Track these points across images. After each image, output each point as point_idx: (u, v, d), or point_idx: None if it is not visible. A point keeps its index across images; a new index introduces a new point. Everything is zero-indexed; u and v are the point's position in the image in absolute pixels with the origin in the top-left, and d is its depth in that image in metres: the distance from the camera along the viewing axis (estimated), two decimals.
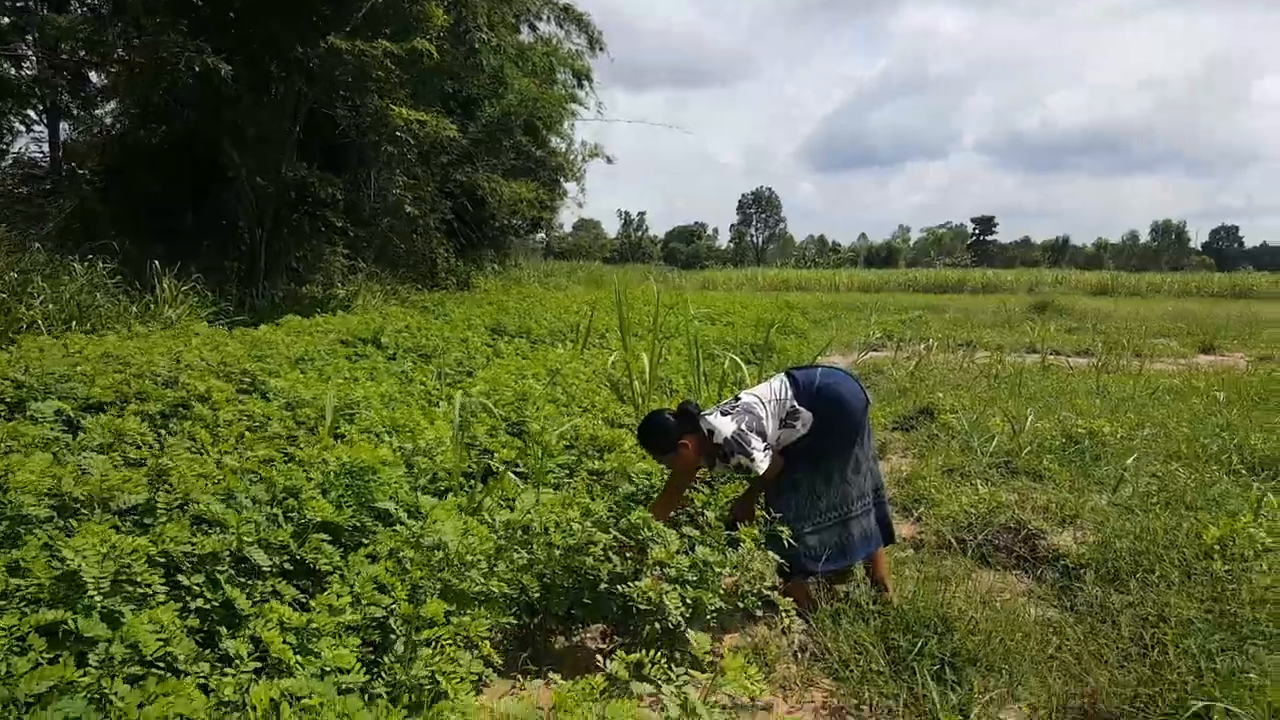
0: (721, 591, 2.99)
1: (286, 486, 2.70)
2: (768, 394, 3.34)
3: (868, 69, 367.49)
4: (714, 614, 2.88)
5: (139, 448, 3.38)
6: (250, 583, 2.37)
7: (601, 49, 22.99)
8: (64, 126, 14.64)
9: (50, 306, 7.55)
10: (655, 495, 3.68)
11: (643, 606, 2.69)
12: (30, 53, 15.72)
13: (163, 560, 2.26)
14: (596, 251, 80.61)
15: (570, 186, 25.65)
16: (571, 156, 25.40)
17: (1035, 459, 5.36)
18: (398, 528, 2.71)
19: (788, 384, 3.36)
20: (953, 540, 4.16)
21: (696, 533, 3.20)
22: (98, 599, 1.99)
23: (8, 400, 3.87)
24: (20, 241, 8.98)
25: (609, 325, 10.07)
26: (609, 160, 25.64)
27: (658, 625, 2.71)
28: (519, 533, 2.81)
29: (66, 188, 12.03)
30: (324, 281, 15.02)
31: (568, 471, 3.97)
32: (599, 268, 42.52)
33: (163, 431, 3.67)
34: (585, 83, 23.21)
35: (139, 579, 2.13)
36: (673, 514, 3.55)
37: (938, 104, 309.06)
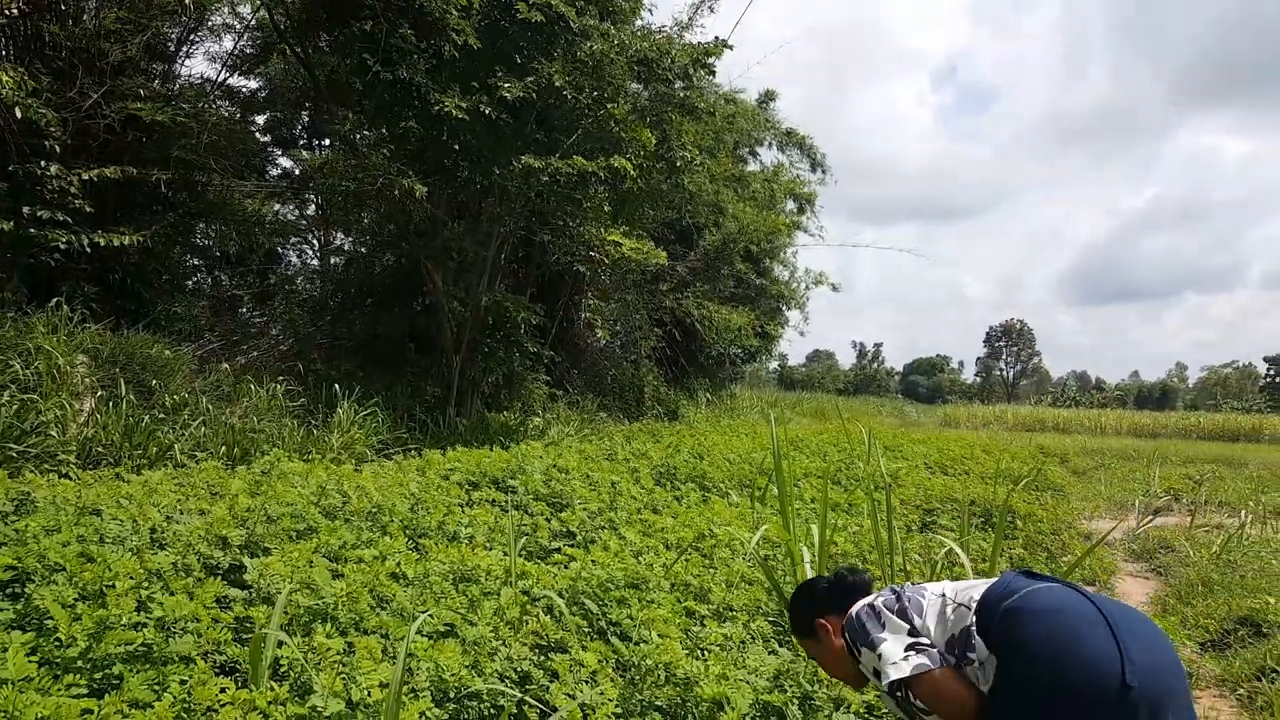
0: None
1: None
2: (950, 592, 2.10)
3: (1135, 197, 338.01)
4: None
5: None
6: None
7: (824, 171, 22.01)
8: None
9: (204, 430, 7.29)
10: None
11: None
12: (313, 198, 17.70)
13: None
14: (830, 382, 78.43)
15: (793, 314, 24.42)
16: (794, 285, 24.26)
17: None
18: None
19: (974, 595, 2.01)
20: None
21: None
22: None
23: None
24: (208, 363, 9.10)
25: (808, 469, 8.25)
26: (834, 288, 24.26)
27: None
28: None
29: (281, 313, 12.67)
30: (524, 408, 14.63)
31: None
32: (827, 399, 40.13)
33: None
34: (808, 207, 22.21)
35: None
36: None
37: (1218, 234, 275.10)
